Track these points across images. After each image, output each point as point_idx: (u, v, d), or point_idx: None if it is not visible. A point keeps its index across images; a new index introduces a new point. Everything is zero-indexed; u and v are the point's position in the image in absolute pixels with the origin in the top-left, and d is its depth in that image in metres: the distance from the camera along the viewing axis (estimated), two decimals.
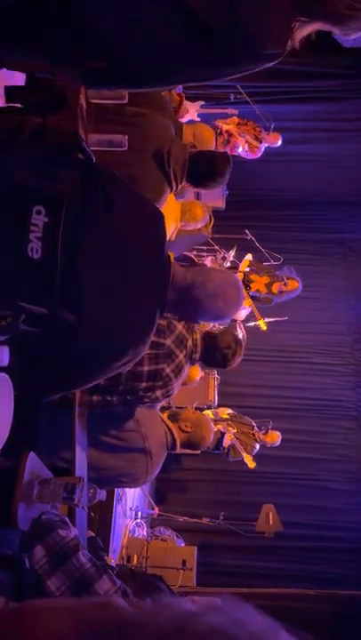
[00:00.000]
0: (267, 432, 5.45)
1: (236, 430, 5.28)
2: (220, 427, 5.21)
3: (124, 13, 1.20)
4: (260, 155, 4.99)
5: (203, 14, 1.21)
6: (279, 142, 5.09)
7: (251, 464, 5.21)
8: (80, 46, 1.28)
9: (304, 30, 1.29)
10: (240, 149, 4.68)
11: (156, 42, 1.25)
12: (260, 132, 4.89)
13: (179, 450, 2.48)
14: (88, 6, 1.21)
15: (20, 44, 1.33)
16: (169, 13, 1.20)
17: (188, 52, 1.27)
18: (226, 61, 1.32)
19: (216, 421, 5.24)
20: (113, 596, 0.66)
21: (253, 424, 5.52)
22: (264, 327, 5.13)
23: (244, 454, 5.17)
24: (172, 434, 2.41)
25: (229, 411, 5.55)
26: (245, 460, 5.18)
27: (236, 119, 4.80)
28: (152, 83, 1.44)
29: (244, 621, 0.56)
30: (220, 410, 5.47)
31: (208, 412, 5.32)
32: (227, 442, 5.16)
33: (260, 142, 4.88)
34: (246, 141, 4.75)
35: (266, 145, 4.98)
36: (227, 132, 4.58)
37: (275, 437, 5.45)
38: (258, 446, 5.39)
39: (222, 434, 5.24)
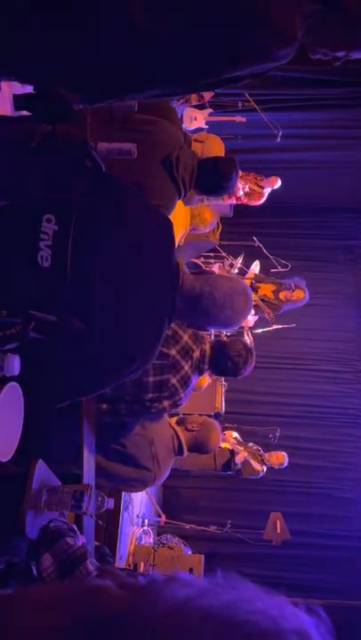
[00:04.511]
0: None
1: (243, 449, 5.27)
2: (227, 445, 5.20)
3: (123, 26, 1.20)
4: (264, 199, 5.29)
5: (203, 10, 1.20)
6: (278, 184, 5.32)
7: (259, 468, 5.18)
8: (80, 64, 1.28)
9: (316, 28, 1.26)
10: (240, 193, 5.00)
11: (158, 43, 1.24)
12: (261, 179, 5.19)
13: (186, 453, 2.47)
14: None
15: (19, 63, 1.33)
16: (169, 15, 1.20)
17: (188, 47, 1.25)
18: (230, 54, 1.29)
19: (224, 438, 5.23)
20: (108, 581, 0.65)
21: (260, 450, 5.51)
22: (272, 317, 5.16)
23: (252, 461, 5.16)
24: (179, 437, 2.40)
25: (235, 434, 5.54)
26: (253, 464, 5.16)
27: (239, 172, 4.98)
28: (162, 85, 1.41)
29: (243, 601, 0.56)
30: (227, 433, 5.46)
31: None
32: (240, 458, 5.15)
33: (263, 188, 5.18)
34: (248, 189, 5.08)
35: (268, 189, 5.27)
36: None
37: (281, 458, 5.44)
38: (265, 469, 5.37)
39: (232, 452, 5.22)
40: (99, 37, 1.23)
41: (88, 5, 1.21)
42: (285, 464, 5.46)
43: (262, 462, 5.36)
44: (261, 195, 5.17)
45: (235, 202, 5.11)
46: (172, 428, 2.43)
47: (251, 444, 5.50)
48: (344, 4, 1.23)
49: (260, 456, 5.38)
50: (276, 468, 5.45)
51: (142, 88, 1.38)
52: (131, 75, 1.32)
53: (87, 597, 0.62)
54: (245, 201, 5.12)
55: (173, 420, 2.51)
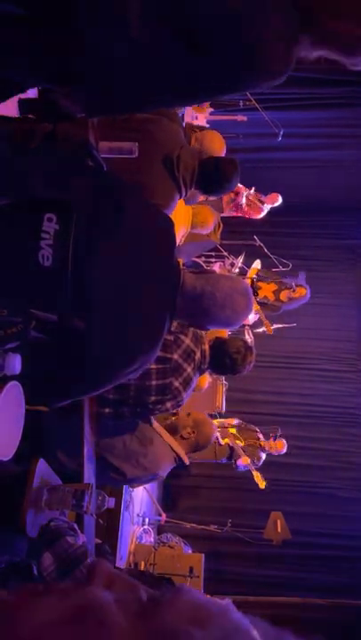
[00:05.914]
0: (276, 439, 5.44)
1: (243, 444, 5.27)
2: (227, 441, 5.21)
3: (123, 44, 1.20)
4: (264, 214, 5.41)
5: (203, 36, 1.21)
6: (279, 201, 5.40)
7: (261, 484, 5.19)
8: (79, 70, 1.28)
9: (311, 52, 1.27)
10: (243, 201, 5.15)
11: (158, 66, 1.26)
12: (261, 196, 5.36)
13: (188, 462, 2.50)
14: (91, 32, 1.21)
15: (19, 65, 1.33)
16: (169, 41, 1.21)
17: (186, 72, 1.27)
18: (226, 78, 1.31)
19: (223, 435, 5.24)
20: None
21: (259, 433, 5.51)
22: (270, 331, 5.20)
23: (254, 472, 5.17)
24: (180, 455, 2.41)
25: (236, 421, 5.53)
26: (256, 479, 5.17)
27: (241, 187, 5.08)
28: (155, 106, 1.45)
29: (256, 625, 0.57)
30: (227, 421, 5.46)
31: (215, 422, 5.31)
32: (242, 463, 5.17)
33: (263, 204, 5.33)
34: (251, 198, 5.24)
35: (268, 206, 5.39)
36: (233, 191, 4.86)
37: (280, 445, 5.45)
38: (264, 456, 5.38)
39: (231, 448, 5.23)
40: (104, 65, 1.24)
41: (93, 33, 1.21)
42: (284, 451, 5.47)
43: (262, 449, 5.37)
44: (261, 209, 5.30)
45: (235, 213, 5.17)
46: (173, 450, 2.42)
47: (251, 427, 5.51)
48: (333, 30, 1.23)
49: (260, 444, 5.39)
50: (275, 454, 5.47)
51: (140, 109, 1.41)
52: (131, 99, 1.35)
53: (125, 586, 0.61)
54: (246, 210, 5.24)
55: (164, 429, 2.48)
